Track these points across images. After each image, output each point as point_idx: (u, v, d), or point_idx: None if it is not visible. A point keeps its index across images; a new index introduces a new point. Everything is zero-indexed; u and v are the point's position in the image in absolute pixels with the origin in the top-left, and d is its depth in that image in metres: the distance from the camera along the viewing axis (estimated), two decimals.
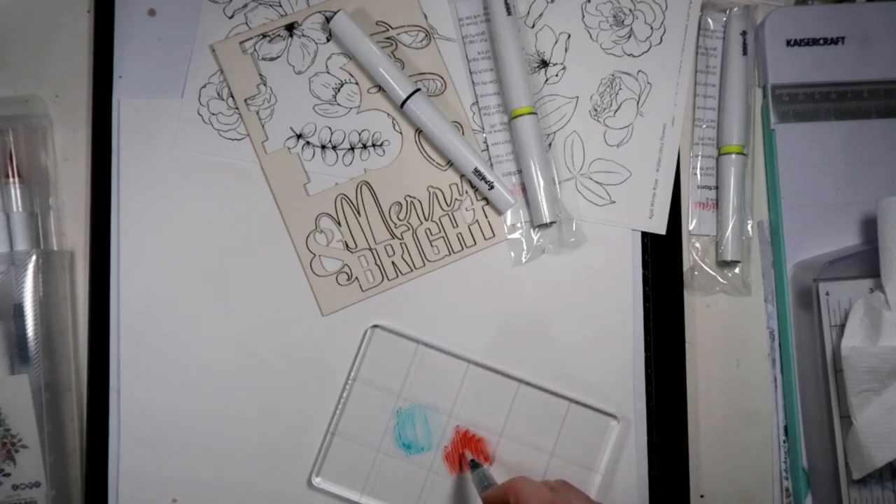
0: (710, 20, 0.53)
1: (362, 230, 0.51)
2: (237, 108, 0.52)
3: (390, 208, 0.52)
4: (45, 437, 0.48)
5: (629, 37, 0.53)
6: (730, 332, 0.52)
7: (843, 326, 0.47)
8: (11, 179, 0.49)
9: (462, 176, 0.52)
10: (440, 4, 0.53)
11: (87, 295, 0.51)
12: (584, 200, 0.52)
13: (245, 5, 0.52)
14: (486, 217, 0.52)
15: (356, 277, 0.51)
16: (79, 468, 0.50)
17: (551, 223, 0.50)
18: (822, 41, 0.52)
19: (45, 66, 0.52)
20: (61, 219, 0.51)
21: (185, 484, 0.50)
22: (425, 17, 0.52)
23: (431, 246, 0.51)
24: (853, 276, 0.48)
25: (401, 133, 0.52)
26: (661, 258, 0.52)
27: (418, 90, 0.50)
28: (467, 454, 0.49)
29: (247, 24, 0.52)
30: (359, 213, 0.51)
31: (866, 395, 0.46)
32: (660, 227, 0.52)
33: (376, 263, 0.51)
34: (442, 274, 0.51)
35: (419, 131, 0.52)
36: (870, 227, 0.51)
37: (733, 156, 0.51)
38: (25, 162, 0.50)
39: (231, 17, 0.52)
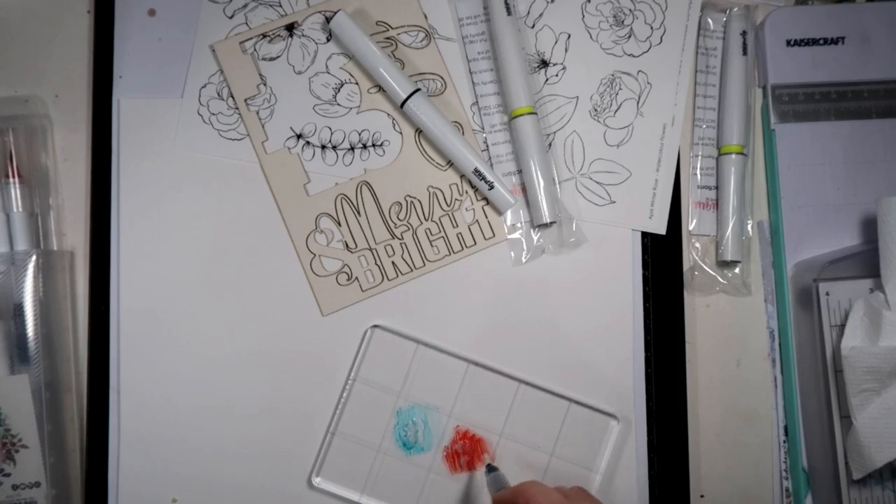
0: (710, 20, 0.53)
1: (362, 230, 0.51)
2: (237, 108, 0.52)
3: (390, 208, 0.52)
4: (45, 437, 0.48)
5: (629, 37, 0.53)
6: (730, 332, 0.52)
7: (843, 326, 0.47)
8: (11, 179, 0.49)
9: (462, 176, 0.52)
10: (440, 4, 0.53)
11: (87, 295, 0.51)
12: (584, 200, 0.52)
13: (245, 5, 0.52)
14: (486, 217, 0.52)
15: (356, 277, 0.51)
16: (79, 468, 0.50)
17: (551, 223, 0.50)
18: (822, 41, 0.52)
19: (45, 66, 0.52)
20: (61, 219, 0.51)
21: (185, 484, 0.50)
22: (425, 17, 0.52)
23: (431, 246, 0.51)
24: (853, 276, 0.48)
25: (401, 133, 0.52)
26: (661, 258, 0.52)
27: (418, 90, 0.50)
28: (486, 458, 0.49)
29: (247, 24, 0.52)
30: (359, 213, 0.51)
31: (866, 395, 0.46)
32: (660, 227, 0.52)
33: (376, 263, 0.51)
34: (442, 274, 0.51)
35: (419, 131, 0.52)
36: (870, 227, 0.51)
37: (733, 156, 0.51)
38: (25, 162, 0.50)
39: (231, 17, 0.52)
